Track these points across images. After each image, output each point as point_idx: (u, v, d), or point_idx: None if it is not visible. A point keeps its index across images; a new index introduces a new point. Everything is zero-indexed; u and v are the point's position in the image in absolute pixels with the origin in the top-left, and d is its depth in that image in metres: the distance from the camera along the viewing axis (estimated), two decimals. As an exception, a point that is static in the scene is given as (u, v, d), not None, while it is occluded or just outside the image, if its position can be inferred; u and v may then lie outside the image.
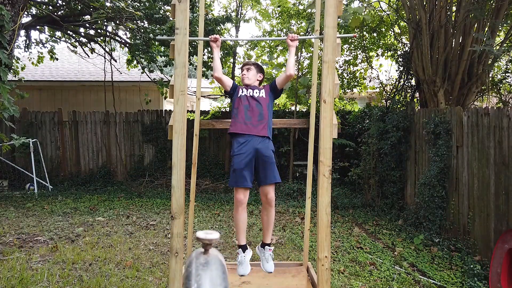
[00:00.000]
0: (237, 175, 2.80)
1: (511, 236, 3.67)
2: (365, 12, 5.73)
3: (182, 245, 2.26)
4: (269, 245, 3.11)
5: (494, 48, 5.67)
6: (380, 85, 8.46)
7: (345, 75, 9.49)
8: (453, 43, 5.95)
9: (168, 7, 7.69)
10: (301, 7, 9.59)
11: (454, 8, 6.25)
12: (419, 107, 6.76)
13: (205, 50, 8.42)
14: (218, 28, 8.32)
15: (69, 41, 9.75)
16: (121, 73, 10.35)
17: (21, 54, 10.51)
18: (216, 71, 2.98)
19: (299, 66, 8.92)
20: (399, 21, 8.20)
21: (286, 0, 9.81)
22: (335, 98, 2.84)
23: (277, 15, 10.11)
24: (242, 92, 2.99)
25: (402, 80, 7.16)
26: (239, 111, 2.91)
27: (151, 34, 7.11)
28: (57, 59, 9.94)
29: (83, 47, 9.68)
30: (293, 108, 8.77)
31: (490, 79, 6.57)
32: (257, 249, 3.20)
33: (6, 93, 4.08)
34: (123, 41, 9.05)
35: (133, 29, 7.21)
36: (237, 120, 2.89)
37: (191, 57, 8.22)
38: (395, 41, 8.67)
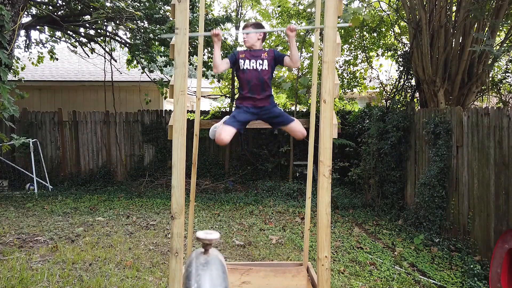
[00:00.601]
0: (232, 119, 2.92)
1: (511, 236, 3.67)
2: (365, 12, 5.73)
3: (182, 245, 2.26)
4: None
5: (494, 48, 5.67)
6: (380, 85, 8.46)
7: (345, 75, 9.50)
8: (453, 43, 5.95)
9: (168, 7, 7.69)
10: (301, 7, 9.59)
11: (454, 8, 6.25)
12: (419, 107, 6.76)
13: (205, 50, 8.42)
14: (218, 28, 8.32)
15: (69, 41, 9.75)
16: (121, 73, 10.35)
17: (21, 54, 10.52)
18: (216, 67, 2.96)
19: (299, 66, 8.92)
20: (399, 21, 8.20)
21: (286, 0, 9.81)
22: (335, 98, 2.84)
23: (277, 15, 10.12)
24: (244, 63, 2.97)
25: (402, 80, 7.17)
26: (243, 86, 2.99)
27: (151, 34, 7.11)
28: (57, 59, 9.95)
29: (83, 47, 9.69)
30: (293, 108, 8.77)
31: (490, 79, 6.57)
32: None
33: (6, 93, 4.09)
34: (123, 41, 9.05)
35: (133, 29, 7.21)
36: (243, 94, 3.00)
37: (191, 57, 8.23)
38: (395, 41, 8.67)
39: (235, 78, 10.70)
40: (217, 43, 2.91)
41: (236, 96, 3.40)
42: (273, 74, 3.14)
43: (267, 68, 2.97)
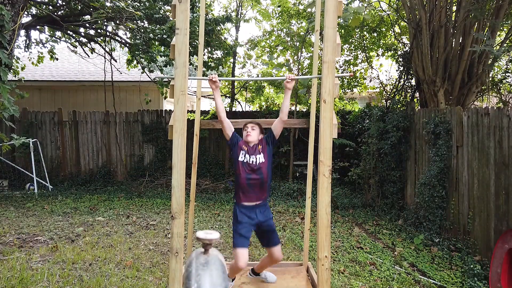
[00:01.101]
0: (241, 238, 2.98)
1: (511, 236, 3.67)
2: (365, 12, 5.73)
3: (182, 245, 2.26)
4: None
5: (494, 48, 5.67)
6: (380, 85, 8.46)
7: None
8: (453, 43, 5.95)
9: (168, 7, 7.69)
10: (301, 7, 9.59)
11: (454, 8, 6.25)
12: (419, 107, 6.76)
13: (205, 50, 8.42)
14: (218, 28, 8.32)
15: (69, 41, 9.75)
16: (121, 73, 10.36)
17: (21, 54, 10.52)
18: (219, 111, 3.02)
19: (299, 66, 8.92)
20: (399, 21, 8.20)
21: (286, 0, 9.81)
22: (335, 98, 2.84)
23: (277, 15, 10.12)
24: (244, 157, 3.02)
25: (402, 80, 7.17)
26: (242, 184, 3.01)
27: (151, 34, 7.11)
28: (57, 59, 9.95)
29: (83, 47, 9.69)
30: (293, 108, 8.77)
31: (490, 79, 6.57)
32: (250, 276, 3.50)
33: (6, 93, 4.08)
34: (123, 41, 9.05)
35: (133, 29, 7.21)
36: (240, 190, 3.03)
37: (191, 57, 8.22)
38: (395, 41, 8.67)
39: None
40: (215, 90, 2.92)
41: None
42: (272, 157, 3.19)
43: (264, 160, 3.03)
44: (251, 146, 3.07)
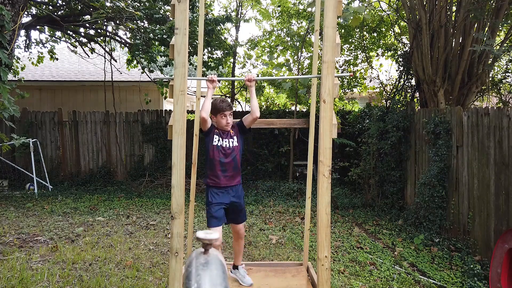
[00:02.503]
0: (214, 220, 3.03)
1: (511, 236, 3.67)
2: (365, 12, 5.73)
3: (182, 245, 2.26)
4: (241, 265, 3.46)
5: (494, 48, 5.67)
6: (380, 85, 8.46)
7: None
8: (453, 43, 5.95)
9: (168, 7, 7.69)
10: (301, 7, 9.59)
11: (454, 8, 6.25)
12: (419, 107, 6.76)
13: (205, 50, 8.42)
14: (218, 28, 8.32)
15: (69, 41, 9.76)
16: (121, 73, 10.36)
17: (21, 54, 10.52)
18: (204, 111, 2.91)
19: (299, 66, 8.92)
20: (399, 21, 8.20)
21: (286, 0, 9.81)
22: (335, 98, 2.84)
23: (277, 15, 10.12)
24: (218, 141, 3.05)
25: (402, 80, 7.16)
26: (215, 165, 3.05)
27: (151, 34, 7.11)
28: (57, 59, 9.95)
29: (83, 47, 9.69)
30: (293, 108, 8.77)
31: (490, 79, 6.57)
32: (231, 274, 3.44)
33: (6, 93, 4.08)
34: (123, 41, 9.05)
35: (133, 29, 7.21)
36: (214, 174, 3.06)
37: (191, 57, 8.22)
38: (395, 41, 8.67)
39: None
40: (210, 89, 2.91)
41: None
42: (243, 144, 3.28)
43: (237, 144, 3.11)
44: (225, 134, 3.11)
